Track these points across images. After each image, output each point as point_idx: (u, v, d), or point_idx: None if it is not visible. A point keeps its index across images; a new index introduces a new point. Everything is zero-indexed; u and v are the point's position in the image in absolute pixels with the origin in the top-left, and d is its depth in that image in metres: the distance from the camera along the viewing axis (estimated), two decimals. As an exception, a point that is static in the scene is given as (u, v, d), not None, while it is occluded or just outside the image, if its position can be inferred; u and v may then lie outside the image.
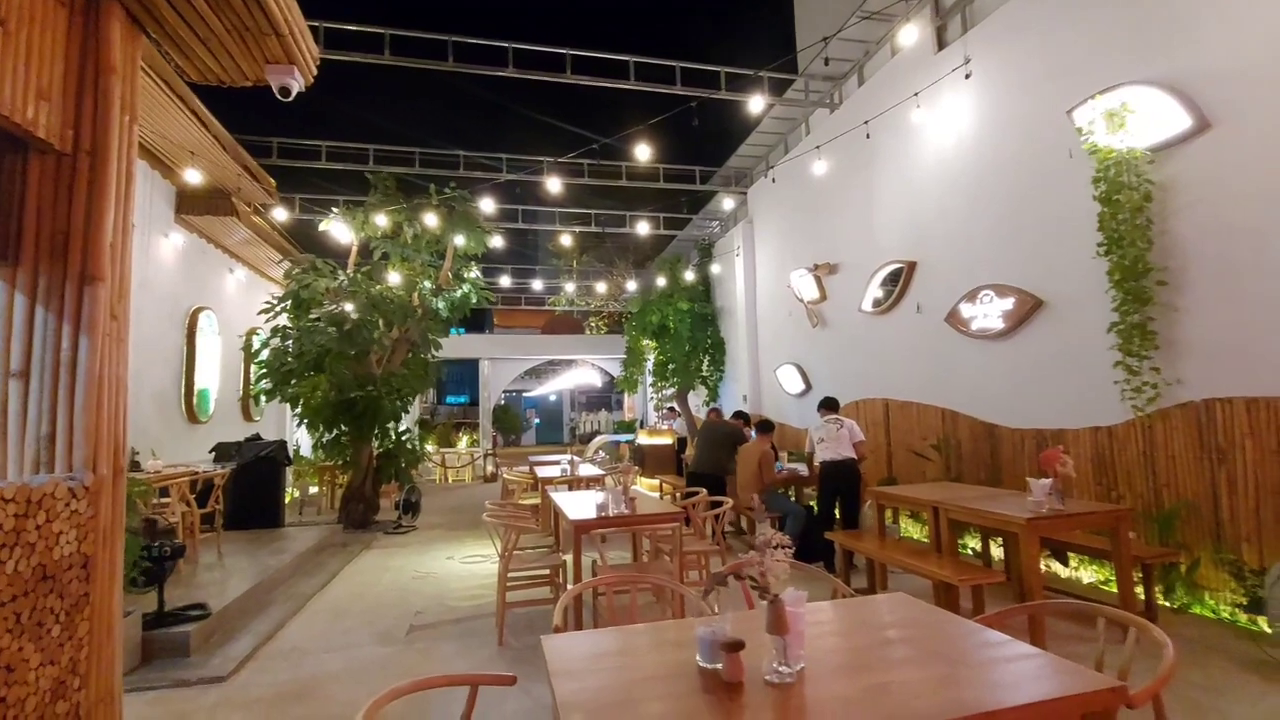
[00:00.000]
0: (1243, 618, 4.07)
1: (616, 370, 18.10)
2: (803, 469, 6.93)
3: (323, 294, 8.42)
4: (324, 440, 8.63)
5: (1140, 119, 4.65)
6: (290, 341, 8.38)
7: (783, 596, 1.61)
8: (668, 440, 11.48)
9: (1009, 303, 5.92)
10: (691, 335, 12.79)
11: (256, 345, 9.13)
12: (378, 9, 10.42)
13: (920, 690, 1.53)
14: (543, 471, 7.54)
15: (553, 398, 29.38)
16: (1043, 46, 5.66)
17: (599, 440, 16.04)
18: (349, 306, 8.32)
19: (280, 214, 9.52)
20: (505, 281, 16.53)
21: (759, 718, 1.45)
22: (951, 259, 6.72)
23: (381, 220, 8.92)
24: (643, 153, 8.23)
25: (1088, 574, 5.12)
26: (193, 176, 6.93)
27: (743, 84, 8.90)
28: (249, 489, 7.40)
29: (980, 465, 6.31)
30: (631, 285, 14.67)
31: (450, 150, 10.68)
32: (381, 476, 8.96)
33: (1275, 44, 4.00)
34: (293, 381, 8.33)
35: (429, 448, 14.57)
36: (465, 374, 23.73)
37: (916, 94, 6.93)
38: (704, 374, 13.09)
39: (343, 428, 8.54)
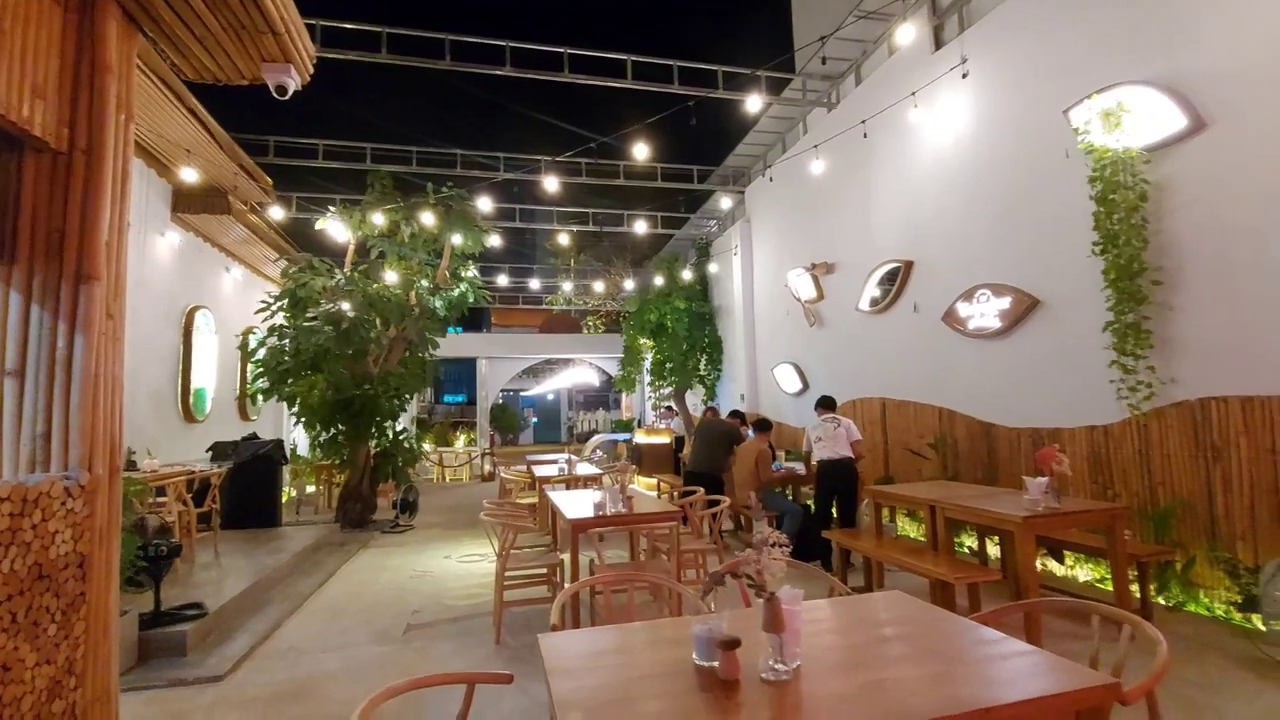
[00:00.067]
0: (1237, 615, 4.09)
1: (614, 369, 18.11)
2: (800, 468, 6.95)
3: (319, 293, 8.40)
4: (321, 439, 8.61)
5: (1136, 119, 4.66)
6: (287, 340, 8.36)
7: (779, 595, 1.62)
8: (665, 439, 11.49)
9: (1005, 302, 5.94)
10: (689, 334, 12.80)
11: (253, 344, 9.10)
12: (374, 7, 10.44)
13: (915, 687, 1.53)
14: (540, 470, 7.54)
15: (550, 397, 29.37)
16: (1039, 46, 5.67)
17: (597, 439, 16.05)
18: (346, 305, 8.31)
19: (277, 213, 9.50)
20: (503, 280, 16.52)
21: (755, 715, 1.45)
22: (948, 258, 6.74)
23: (379, 219, 8.91)
24: (640, 152, 8.23)
25: (1083, 572, 5.14)
26: (189, 175, 6.90)
27: (740, 83, 8.90)
28: (246, 488, 7.39)
29: (977, 464, 6.33)
30: (629, 284, 14.67)
31: (447, 149, 10.68)
32: (379, 476, 8.95)
33: (1271, 44, 4.02)
34: (289, 380, 8.31)
35: (426, 447, 14.55)
36: (463, 373, 23.71)
37: (914, 93, 6.94)
38: (701, 373, 13.09)
39: (340, 427, 8.52)
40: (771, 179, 10.51)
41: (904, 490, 5.14)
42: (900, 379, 7.53)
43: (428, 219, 8.88)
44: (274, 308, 8.59)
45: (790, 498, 6.87)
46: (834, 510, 5.96)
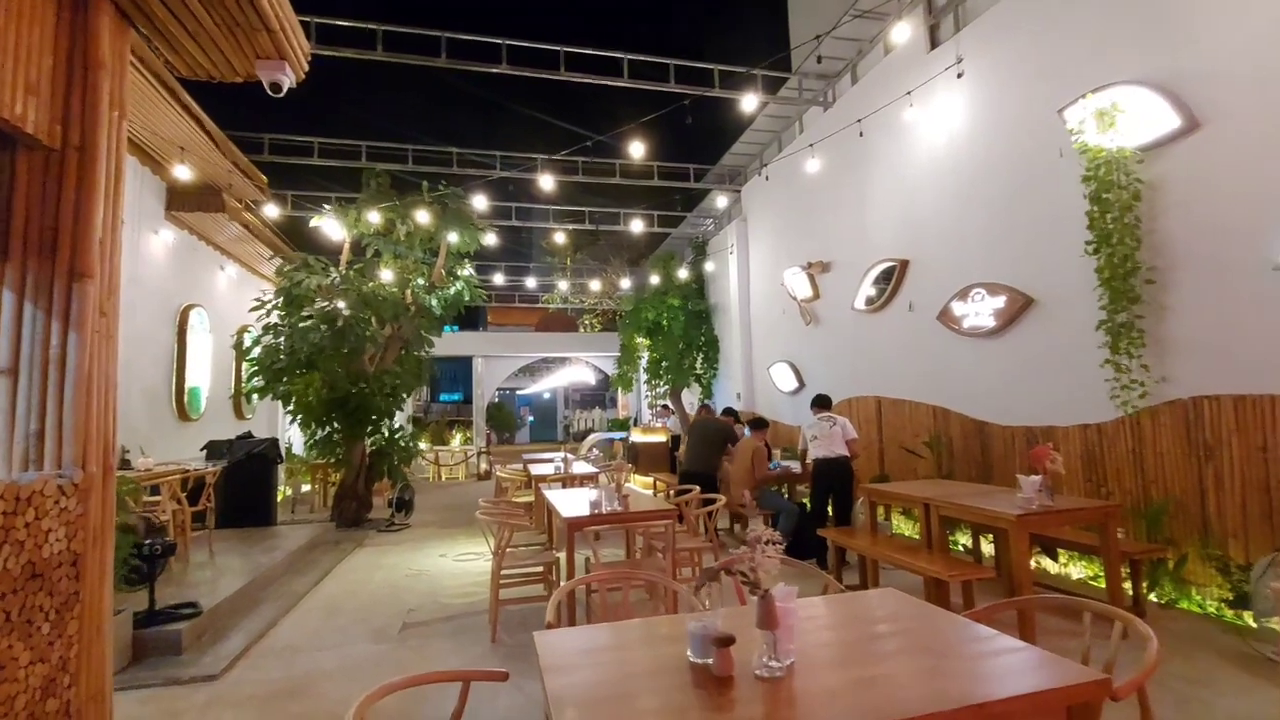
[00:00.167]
0: (1229, 612, 4.12)
1: (610, 368, 18.11)
2: (796, 466, 6.96)
3: (315, 291, 8.38)
4: (316, 438, 8.60)
5: (1130, 118, 4.68)
6: (282, 339, 8.34)
7: (773, 592, 1.62)
8: (662, 438, 11.50)
9: (1000, 301, 5.96)
10: (685, 333, 12.80)
11: (248, 343, 9.08)
12: (370, 4, 10.35)
13: (908, 683, 1.55)
14: (536, 469, 7.54)
15: (546, 395, 29.34)
16: (1034, 46, 5.69)
17: (593, 438, 16.04)
18: (341, 304, 8.29)
19: (272, 211, 9.45)
20: (499, 279, 16.49)
21: (748, 711, 1.46)
22: (944, 257, 6.76)
23: (374, 217, 8.88)
24: (637, 150, 8.22)
25: (1077, 570, 5.17)
26: (183, 173, 6.87)
27: (736, 82, 8.90)
28: (241, 487, 7.37)
29: (971, 462, 6.36)
30: (625, 283, 14.67)
31: (443, 147, 10.66)
32: (374, 474, 8.94)
33: (1264, 45, 4.04)
34: (284, 379, 8.29)
35: (422, 445, 14.52)
36: (459, 371, 23.66)
37: (909, 93, 6.96)
38: (698, 372, 13.11)
39: (335, 425, 8.51)
40: (768, 178, 10.53)
41: (899, 488, 5.16)
42: (895, 378, 7.55)
43: (423, 217, 8.86)
44: (269, 306, 8.56)
45: (786, 496, 6.89)
46: (829, 509, 5.98)
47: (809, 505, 6.25)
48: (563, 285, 17.98)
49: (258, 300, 8.66)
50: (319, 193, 10.87)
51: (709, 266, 13.21)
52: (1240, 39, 4.17)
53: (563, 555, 4.41)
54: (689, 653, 1.68)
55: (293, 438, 11.88)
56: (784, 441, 9.51)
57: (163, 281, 8.00)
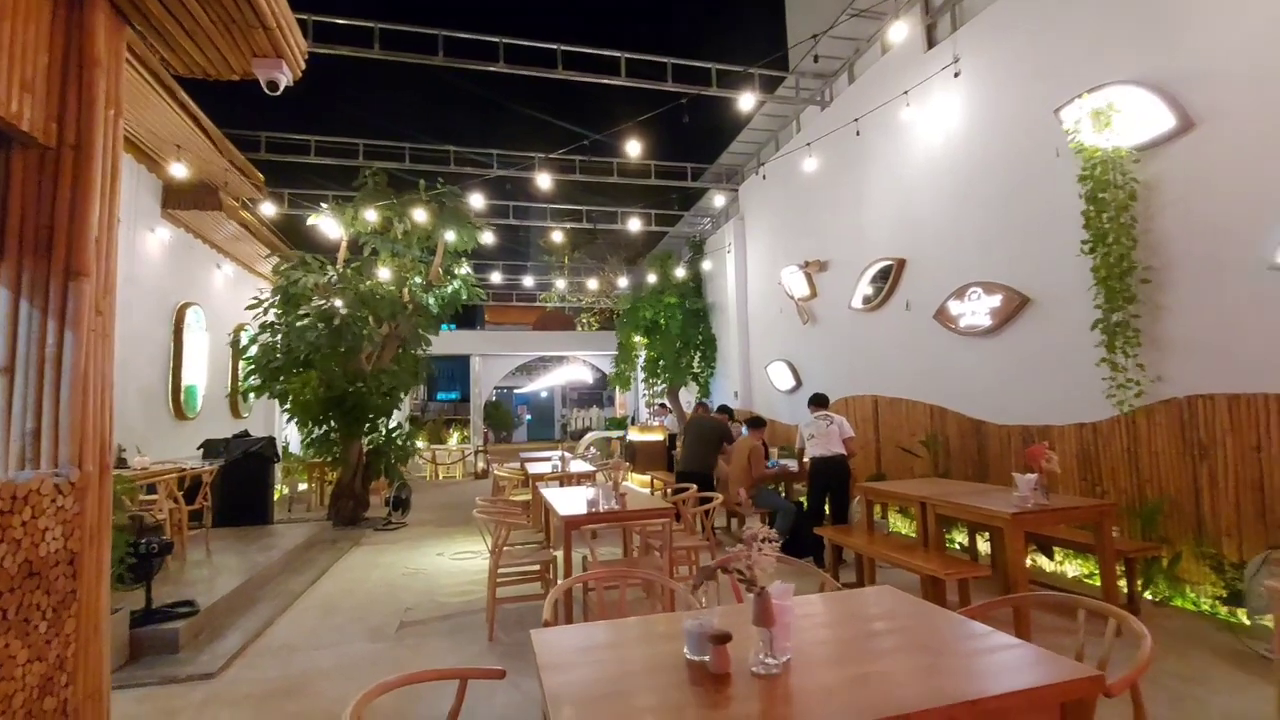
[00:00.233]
0: (1223, 610, 4.14)
1: (608, 367, 18.11)
2: (793, 465, 6.97)
3: (312, 290, 8.36)
4: (313, 436, 8.59)
5: (1126, 118, 4.70)
6: (279, 337, 8.32)
7: (769, 589, 1.63)
8: (659, 436, 11.51)
9: (996, 300, 5.98)
10: (682, 332, 12.81)
11: (245, 341, 9.06)
12: (367, 3, 10.35)
13: (903, 680, 1.55)
14: (534, 468, 7.54)
15: (544, 394, 29.33)
16: (1031, 46, 5.70)
17: (590, 436, 16.04)
18: (338, 302, 8.27)
19: (268, 209, 9.44)
20: (496, 278, 16.48)
21: (745, 708, 1.47)
22: (940, 256, 6.77)
23: (371, 215, 8.87)
24: (634, 149, 8.23)
25: (1072, 568, 5.19)
26: (179, 171, 6.86)
27: (734, 81, 8.90)
28: (237, 485, 7.36)
29: (968, 461, 6.38)
30: (623, 282, 14.68)
31: (441, 145, 10.65)
32: (371, 473, 8.93)
33: (1260, 45, 4.06)
34: (281, 378, 8.28)
35: (419, 444, 14.51)
36: (456, 370, 23.63)
37: (906, 92, 6.97)
38: (695, 370, 13.12)
39: (332, 424, 8.50)
40: (765, 177, 10.53)
41: (896, 487, 5.17)
42: (892, 376, 7.57)
43: (421, 216, 8.85)
44: (265, 304, 8.55)
45: (783, 495, 6.90)
46: (826, 507, 5.99)
47: (806, 504, 6.26)
48: (560, 284, 17.97)
49: (254, 299, 8.65)
50: (316, 191, 10.86)
51: (706, 265, 13.22)
52: (1236, 39, 4.18)
53: (560, 553, 4.41)
54: (686, 650, 1.69)
55: (289, 436, 11.86)
56: (781, 440, 9.52)
57: (159, 280, 7.99)
